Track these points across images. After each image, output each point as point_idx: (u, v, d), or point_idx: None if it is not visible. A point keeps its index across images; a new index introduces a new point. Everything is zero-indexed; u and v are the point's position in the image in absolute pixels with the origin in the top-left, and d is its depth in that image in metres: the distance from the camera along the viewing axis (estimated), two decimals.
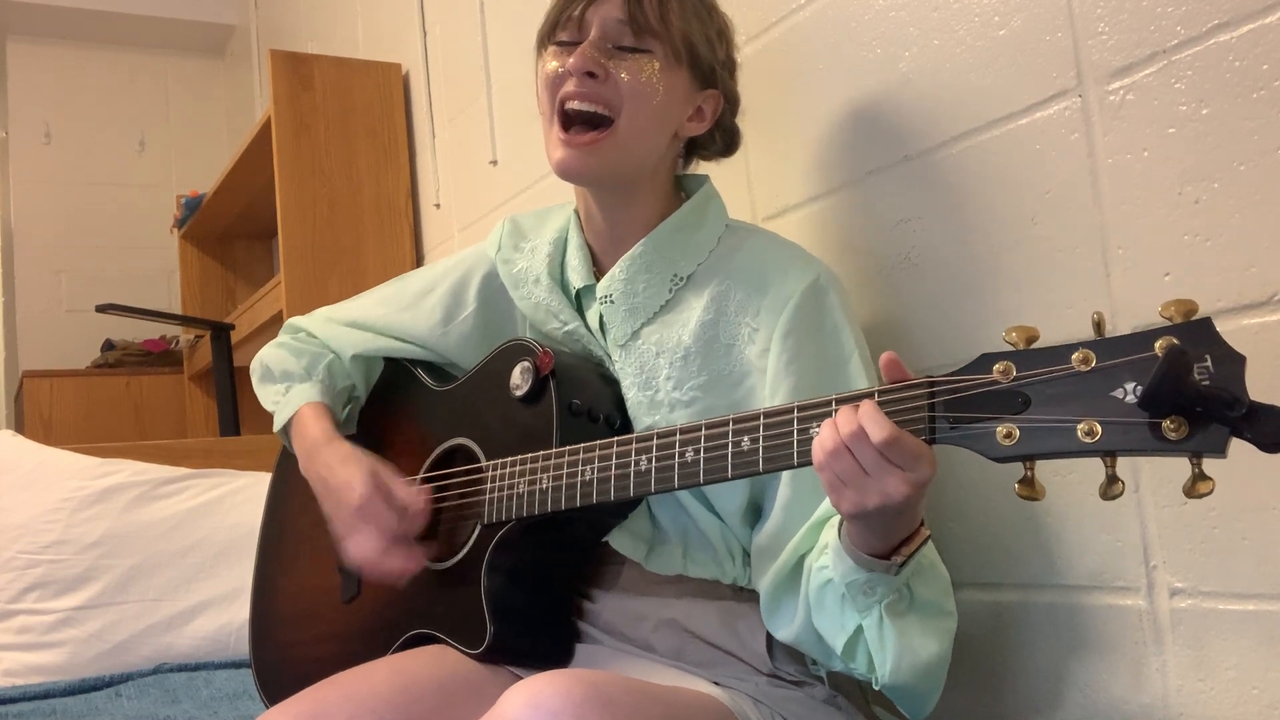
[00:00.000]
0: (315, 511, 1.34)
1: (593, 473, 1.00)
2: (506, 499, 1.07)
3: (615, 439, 0.99)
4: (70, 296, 3.73)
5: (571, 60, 1.07)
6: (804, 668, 1.07)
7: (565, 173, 1.10)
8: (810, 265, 1.08)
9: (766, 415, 0.88)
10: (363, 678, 1.05)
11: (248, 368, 1.38)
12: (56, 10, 3.73)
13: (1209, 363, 0.67)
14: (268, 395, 1.32)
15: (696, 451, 0.92)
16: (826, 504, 0.97)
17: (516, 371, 1.10)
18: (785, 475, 1.01)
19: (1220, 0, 0.92)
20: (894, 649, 0.91)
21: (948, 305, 1.17)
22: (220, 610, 1.92)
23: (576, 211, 1.20)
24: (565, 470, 1.02)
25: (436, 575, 1.14)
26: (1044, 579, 1.09)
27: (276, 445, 1.44)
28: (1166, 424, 0.67)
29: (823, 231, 1.32)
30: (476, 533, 1.11)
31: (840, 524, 0.91)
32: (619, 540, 1.09)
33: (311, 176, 2.40)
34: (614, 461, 0.98)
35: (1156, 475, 0.98)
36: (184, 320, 3.21)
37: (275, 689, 1.32)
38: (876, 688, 0.95)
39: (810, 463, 0.84)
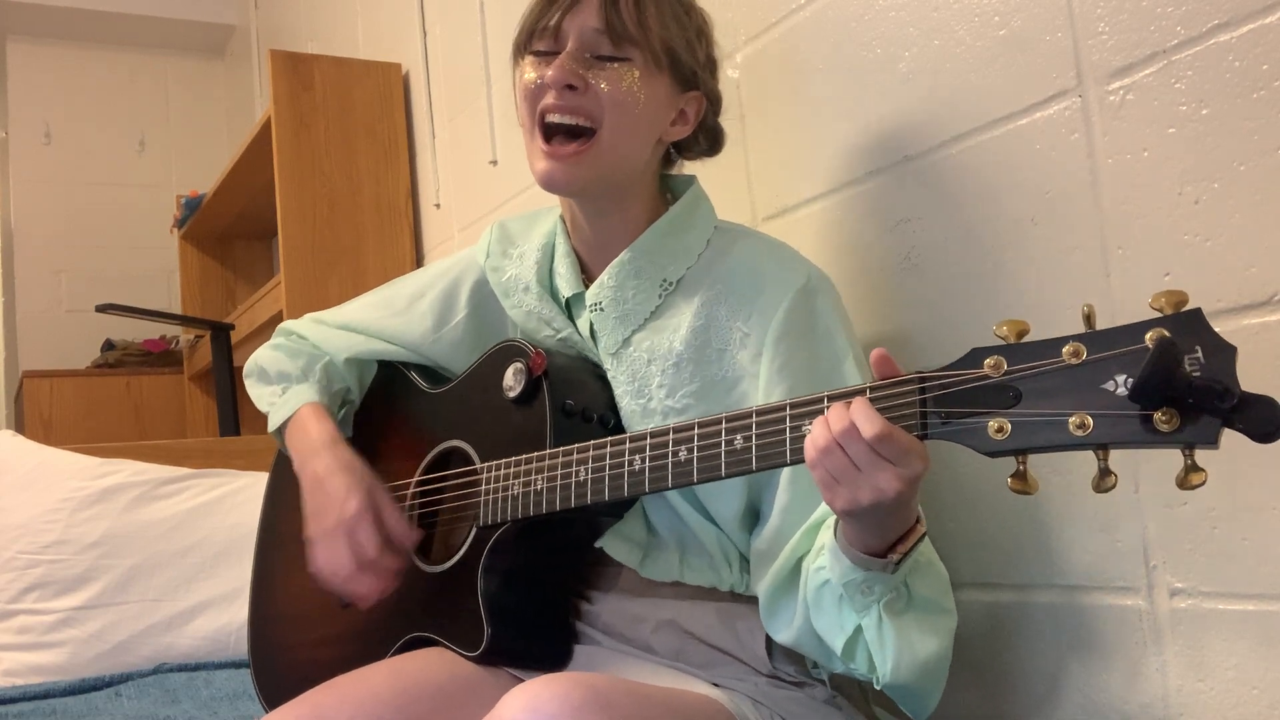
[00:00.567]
0: None
1: (587, 473, 0.99)
2: (501, 501, 1.07)
3: (609, 439, 0.99)
4: (70, 296, 3.73)
5: (550, 73, 1.05)
6: (804, 668, 1.07)
7: (549, 184, 1.08)
8: (800, 268, 1.08)
9: (759, 413, 0.88)
10: (361, 681, 1.05)
11: (244, 368, 1.38)
12: (56, 10, 3.73)
13: (1200, 354, 0.67)
14: (263, 396, 1.31)
15: (690, 450, 0.92)
16: (824, 506, 0.97)
17: (509, 373, 1.10)
18: (783, 479, 1.01)
19: (1220, 0, 0.92)
20: (894, 648, 0.91)
21: (948, 305, 1.16)
22: (220, 610, 1.92)
23: (562, 218, 1.19)
24: (560, 471, 1.02)
25: (433, 578, 1.14)
26: (1044, 579, 1.09)
27: (276, 445, 1.44)
28: (1158, 416, 0.67)
29: (822, 231, 1.31)
30: (472, 535, 1.10)
31: (836, 524, 0.91)
32: (613, 546, 1.08)
33: (311, 176, 2.40)
34: (608, 462, 0.98)
35: (1156, 475, 0.98)
36: (184, 320, 3.21)
37: (274, 691, 1.32)
38: (878, 688, 0.95)
39: (803, 460, 0.84)
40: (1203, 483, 0.68)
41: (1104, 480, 0.72)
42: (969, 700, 1.16)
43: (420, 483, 1.20)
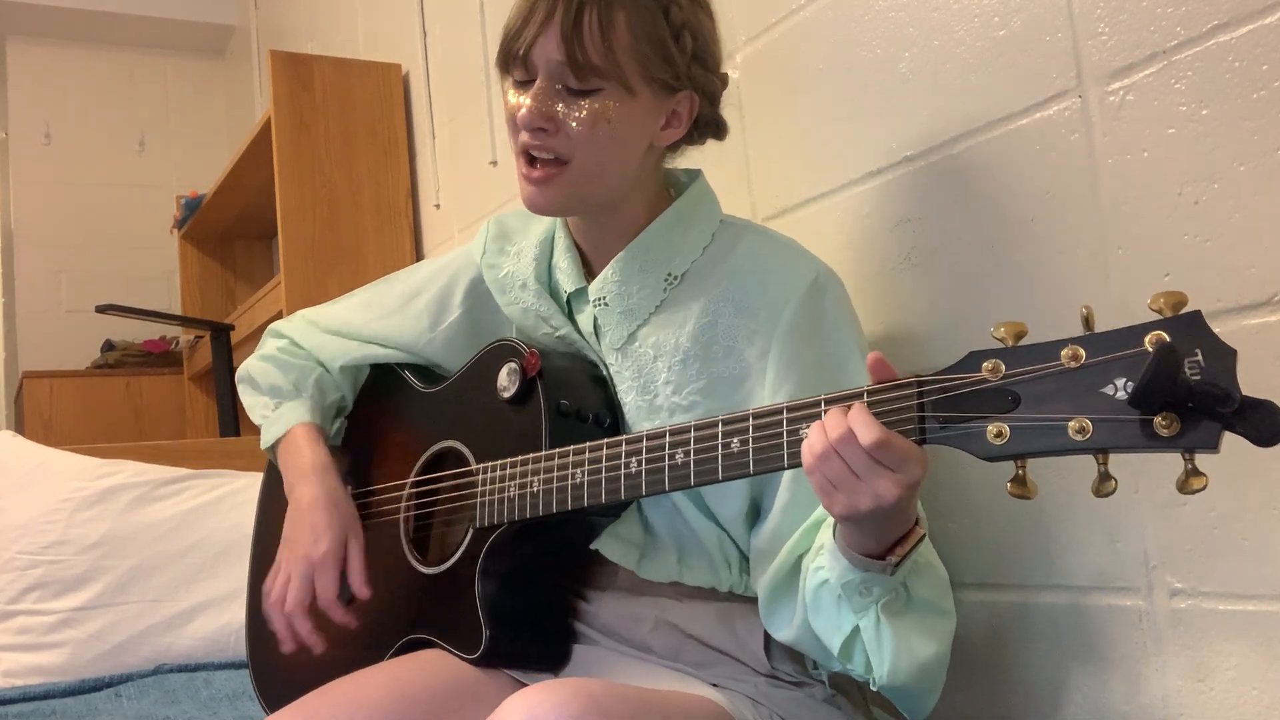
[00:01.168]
0: None
1: (583, 475, 0.99)
2: (498, 502, 1.07)
3: (605, 441, 0.99)
4: (70, 297, 3.73)
5: (521, 115, 1.03)
6: (802, 668, 1.07)
7: (532, 208, 1.07)
8: (809, 264, 1.07)
9: (756, 416, 0.88)
10: (358, 685, 1.04)
11: (236, 375, 1.37)
12: (56, 10, 3.73)
13: (1199, 357, 0.66)
14: (255, 406, 1.31)
15: (686, 454, 0.92)
16: None
17: (503, 373, 1.10)
18: (785, 478, 1.01)
19: (1220, 0, 0.92)
20: (891, 649, 0.91)
21: (948, 305, 1.16)
22: (220, 611, 1.91)
23: None
24: (556, 473, 1.01)
25: (430, 580, 1.14)
26: (1043, 580, 1.09)
27: None
28: (1158, 420, 0.67)
29: (823, 231, 1.31)
30: (469, 536, 1.10)
31: (835, 524, 0.91)
32: (609, 547, 1.08)
33: (311, 176, 2.40)
34: (604, 464, 0.98)
35: (1156, 476, 0.98)
36: (184, 321, 3.21)
37: (273, 694, 1.32)
38: (874, 689, 0.95)
39: (800, 464, 0.83)
40: (1203, 487, 0.67)
41: (1104, 485, 0.71)
42: (968, 700, 1.16)
43: (416, 483, 1.20)
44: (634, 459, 0.96)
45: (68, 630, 1.85)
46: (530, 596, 1.11)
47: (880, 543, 0.87)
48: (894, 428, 0.79)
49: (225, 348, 2.88)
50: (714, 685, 1.02)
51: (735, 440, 0.89)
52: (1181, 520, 0.97)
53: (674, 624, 1.08)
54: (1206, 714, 0.96)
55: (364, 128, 2.46)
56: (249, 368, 1.33)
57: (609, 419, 1.09)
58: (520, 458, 1.05)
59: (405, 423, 1.26)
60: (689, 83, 1.07)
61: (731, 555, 1.08)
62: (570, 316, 1.15)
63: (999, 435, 0.74)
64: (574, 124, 1.02)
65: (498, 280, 1.20)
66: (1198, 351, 0.66)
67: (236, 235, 3.50)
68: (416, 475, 1.21)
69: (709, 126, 1.12)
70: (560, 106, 1.02)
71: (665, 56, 1.04)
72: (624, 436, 0.98)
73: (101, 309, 2.76)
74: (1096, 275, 1.02)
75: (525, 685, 0.92)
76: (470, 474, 1.11)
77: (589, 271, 1.15)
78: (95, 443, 2.31)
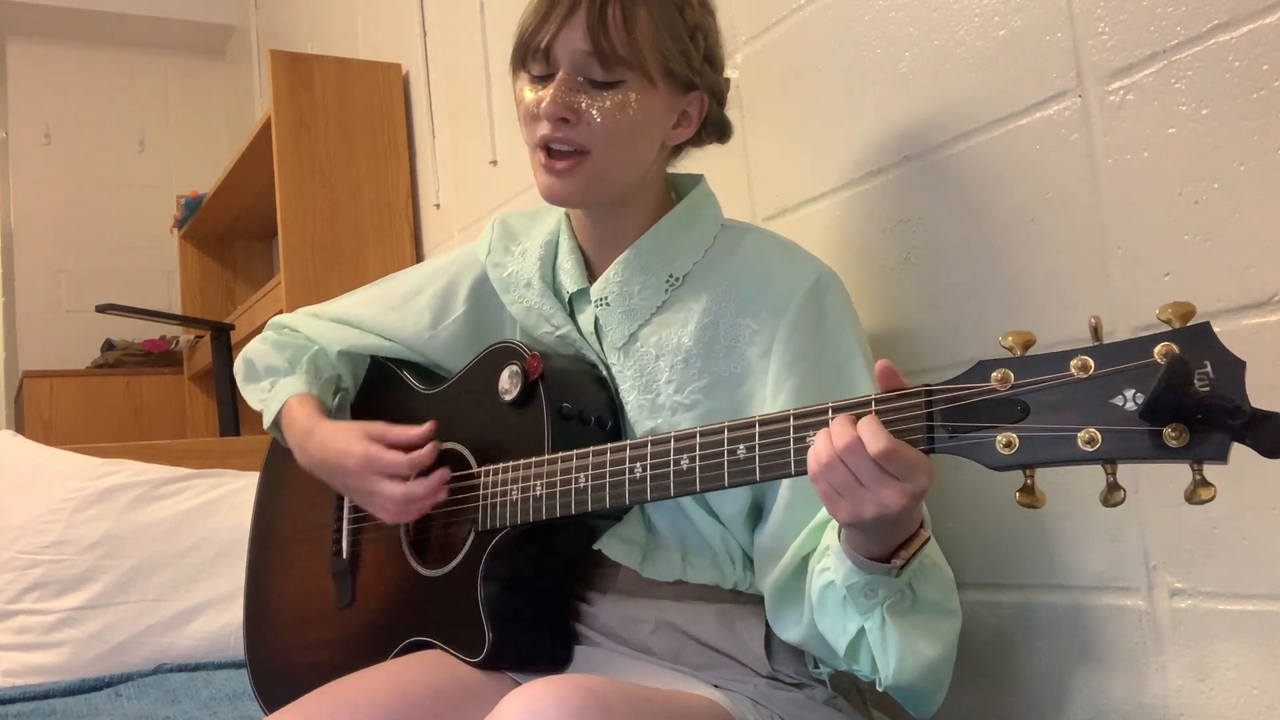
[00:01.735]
0: (307, 515, 1.34)
1: (587, 480, 0.99)
2: (500, 506, 1.06)
3: (609, 446, 0.98)
4: (70, 296, 3.73)
5: (544, 105, 1.04)
6: (803, 669, 1.07)
7: (551, 198, 1.08)
8: (811, 265, 1.08)
9: (762, 423, 0.88)
10: (359, 686, 1.04)
11: (234, 367, 1.37)
12: (56, 10, 3.73)
13: (1209, 369, 0.66)
14: (254, 393, 1.31)
15: (692, 460, 0.92)
16: None
17: (505, 376, 1.10)
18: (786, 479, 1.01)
19: (1220, 0, 0.92)
20: (896, 650, 0.91)
21: (948, 306, 1.16)
22: (220, 610, 1.91)
23: (567, 215, 1.19)
24: (559, 478, 1.01)
25: (432, 582, 1.14)
26: (1045, 580, 1.09)
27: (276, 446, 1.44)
28: (1168, 432, 0.67)
29: (823, 231, 1.31)
30: (471, 539, 1.10)
31: (840, 527, 0.91)
32: (611, 547, 1.08)
33: (311, 176, 2.40)
34: (608, 469, 0.97)
35: (1157, 477, 0.98)
36: (184, 320, 3.21)
37: (272, 694, 1.32)
38: (880, 689, 0.95)
39: (807, 472, 0.83)
40: (1212, 498, 0.67)
41: (1113, 495, 0.71)
42: (970, 701, 1.16)
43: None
44: (639, 464, 0.95)
45: (68, 630, 1.85)
46: (532, 599, 1.11)
47: (884, 546, 0.87)
48: (902, 437, 0.79)
49: (225, 347, 2.88)
50: (715, 686, 1.02)
51: (741, 447, 0.88)
52: (1182, 520, 0.97)
53: (675, 625, 1.08)
54: (1206, 714, 0.96)
55: (364, 128, 2.46)
56: (246, 353, 1.33)
57: (610, 421, 1.09)
58: (523, 461, 1.05)
59: (405, 424, 1.26)
60: (701, 82, 1.09)
61: (735, 552, 1.08)
62: (572, 316, 1.16)
63: (1008, 445, 0.74)
64: (596, 115, 1.03)
65: (502, 279, 1.21)
66: (1207, 363, 0.66)
67: (236, 235, 3.50)
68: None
69: (715, 127, 1.14)
70: (583, 99, 1.04)
71: (683, 50, 1.07)
72: (628, 441, 0.97)
73: (101, 309, 2.76)
74: (1096, 275, 1.02)
75: None
76: (472, 477, 1.11)
77: (591, 273, 1.15)
78: (95, 442, 2.31)
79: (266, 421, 1.27)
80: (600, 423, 1.08)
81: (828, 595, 0.94)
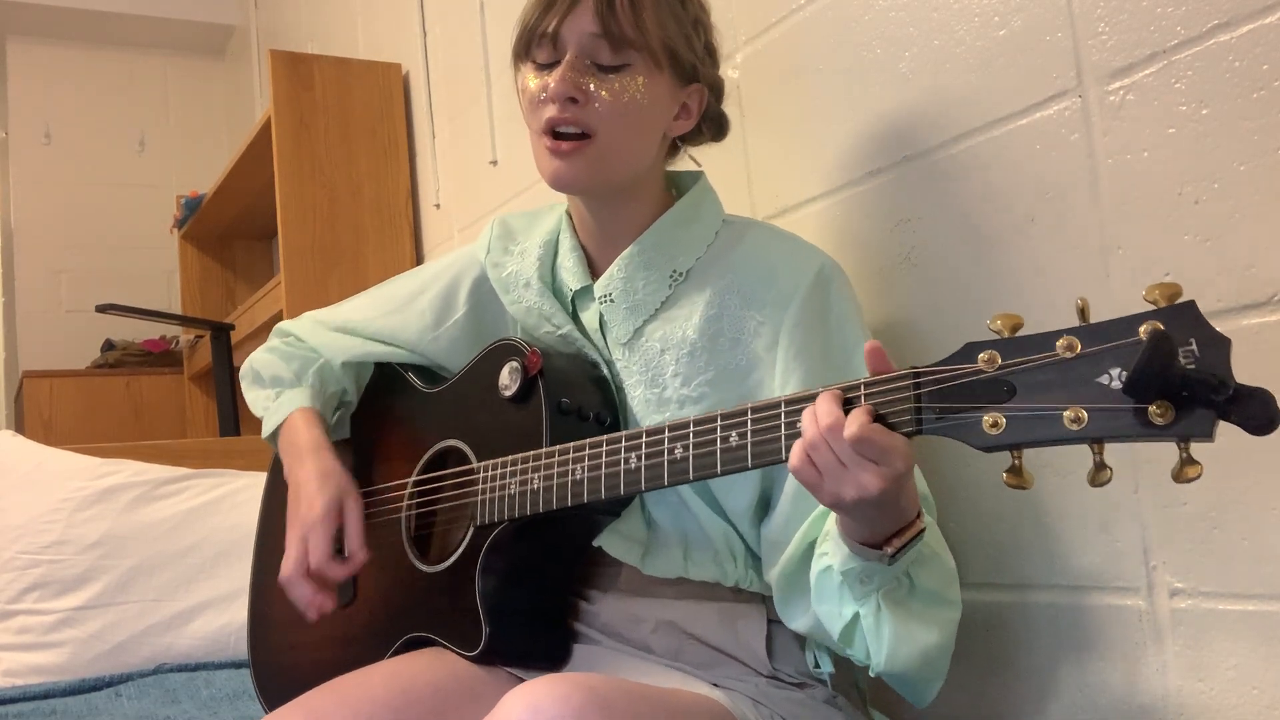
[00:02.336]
0: None
1: (583, 471, 0.99)
2: (498, 500, 1.07)
3: (605, 437, 0.99)
4: (70, 296, 3.73)
5: (552, 86, 1.05)
6: (804, 668, 1.07)
7: (558, 183, 1.09)
8: (814, 256, 1.09)
9: (754, 410, 0.88)
10: (359, 682, 1.05)
11: (240, 371, 1.38)
12: (56, 10, 3.73)
13: (1194, 346, 0.66)
14: (258, 400, 1.32)
15: (685, 448, 0.92)
16: None
17: (505, 372, 1.10)
18: None
19: (1220, 0, 0.92)
20: (890, 637, 0.91)
21: (948, 305, 1.16)
22: (220, 610, 1.92)
23: (568, 213, 1.19)
24: (556, 470, 1.02)
25: (431, 578, 1.14)
26: (1044, 579, 1.09)
27: None
28: (1153, 409, 0.67)
29: (822, 231, 1.31)
30: (470, 534, 1.10)
31: None
32: (611, 544, 1.08)
33: (311, 176, 2.40)
34: (604, 460, 0.98)
35: (1156, 475, 0.98)
36: (184, 320, 3.21)
37: (273, 692, 1.32)
38: (873, 675, 0.95)
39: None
40: (1198, 476, 0.67)
41: (1100, 474, 0.71)
42: (968, 700, 1.16)
43: (417, 482, 1.20)
44: (633, 454, 0.96)
45: (68, 630, 1.85)
46: (530, 595, 1.11)
47: (875, 533, 0.87)
48: (891, 419, 0.79)
49: (225, 347, 2.88)
50: (715, 685, 1.02)
51: (734, 434, 0.89)
52: (1182, 519, 0.97)
53: (675, 624, 1.08)
54: (1206, 714, 0.96)
55: (364, 128, 2.46)
56: (253, 361, 1.34)
57: (609, 418, 1.09)
58: (521, 455, 1.05)
59: (407, 422, 1.26)
60: (702, 73, 1.12)
61: (737, 549, 1.08)
62: (575, 315, 1.16)
63: (995, 425, 0.74)
64: (605, 94, 1.05)
65: (502, 279, 1.21)
66: (1192, 341, 0.66)
67: (236, 235, 3.50)
68: (418, 474, 1.21)
69: (713, 123, 1.16)
70: (590, 81, 1.05)
71: (686, 36, 1.09)
72: (624, 432, 0.98)
73: (101, 309, 2.76)
74: (1096, 275, 1.02)
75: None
76: (471, 472, 1.12)
77: (594, 271, 1.16)
78: (95, 442, 2.31)
79: (266, 431, 1.28)
80: (599, 419, 1.08)
81: (825, 579, 0.95)
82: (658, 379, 1.08)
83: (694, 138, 1.17)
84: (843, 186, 1.29)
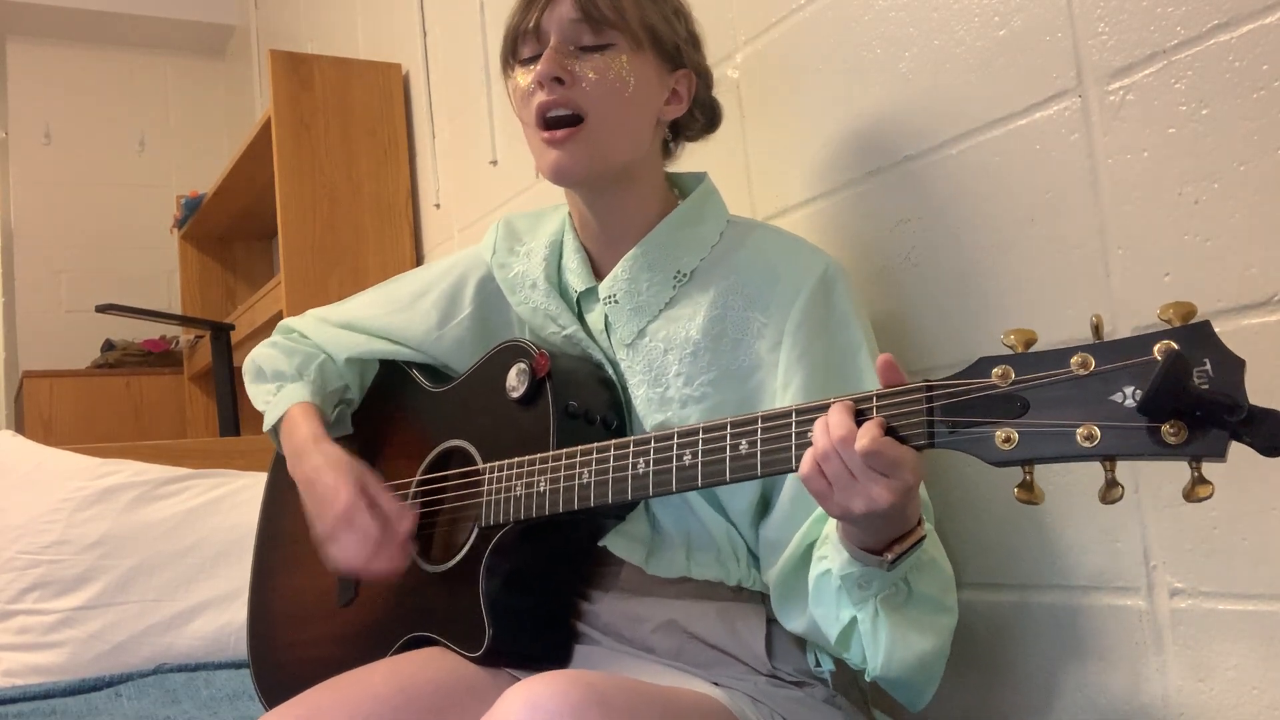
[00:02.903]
0: None
1: (590, 475, 0.99)
2: (504, 501, 1.07)
3: (612, 441, 0.99)
4: (70, 296, 3.73)
5: (538, 69, 1.07)
6: (804, 667, 1.07)
7: (558, 174, 1.09)
8: (818, 257, 1.09)
9: (765, 419, 0.88)
10: (360, 681, 1.05)
11: (243, 366, 1.38)
12: (56, 10, 3.73)
13: (1208, 366, 0.66)
14: (259, 395, 1.32)
15: (694, 455, 0.92)
16: None
17: (512, 373, 1.10)
18: None
19: (1220, 0, 0.92)
20: (886, 642, 0.91)
21: (948, 305, 1.16)
22: (220, 610, 1.92)
23: (570, 215, 1.19)
24: (563, 473, 1.01)
25: (434, 578, 1.14)
26: (1044, 579, 1.09)
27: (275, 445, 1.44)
28: (1166, 428, 0.67)
29: (823, 231, 1.31)
30: (474, 535, 1.10)
31: None
32: (616, 544, 1.08)
33: (311, 176, 2.40)
34: (611, 464, 0.98)
35: (1156, 476, 0.98)
36: (184, 320, 3.21)
37: (274, 691, 1.32)
38: (868, 679, 0.95)
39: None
40: (1209, 495, 0.67)
41: (1111, 491, 0.71)
42: (968, 700, 1.16)
43: (421, 482, 1.20)
44: (641, 459, 0.96)
45: (68, 630, 1.85)
46: (534, 596, 1.11)
47: (878, 539, 0.87)
48: (903, 431, 0.79)
49: (225, 347, 2.88)
50: (715, 684, 1.02)
51: (744, 442, 0.89)
52: (1181, 520, 0.97)
53: (676, 623, 1.08)
54: (1206, 714, 0.96)
55: (364, 128, 2.46)
56: (254, 355, 1.34)
57: (616, 421, 1.09)
58: (527, 457, 1.05)
59: (413, 421, 1.26)
60: (686, 58, 1.13)
61: (740, 548, 1.08)
62: (580, 316, 1.16)
63: (1007, 440, 0.74)
64: (591, 74, 1.06)
65: (508, 280, 1.22)
66: (1206, 361, 0.67)
67: (236, 235, 3.50)
68: (423, 474, 1.21)
69: (706, 108, 1.18)
70: (575, 62, 1.07)
71: (665, 18, 1.11)
72: (631, 437, 0.98)
73: (101, 309, 2.75)
74: (1096, 275, 1.02)
75: None
76: (477, 473, 1.12)
77: (597, 272, 1.16)
78: (95, 442, 2.31)
79: (266, 426, 1.28)
80: (605, 422, 1.08)
81: (824, 583, 0.95)
82: (660, 378, 1.08)
83: (688, 126, 1.17)
84: (843, 186, 1.29)
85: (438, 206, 2.39)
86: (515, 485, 1.06)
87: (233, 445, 2.42)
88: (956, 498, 1.15)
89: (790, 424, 0.86)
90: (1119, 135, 1.00)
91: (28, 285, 3.72)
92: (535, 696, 0.82)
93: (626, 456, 0.97)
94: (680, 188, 1.19)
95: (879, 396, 0.81)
